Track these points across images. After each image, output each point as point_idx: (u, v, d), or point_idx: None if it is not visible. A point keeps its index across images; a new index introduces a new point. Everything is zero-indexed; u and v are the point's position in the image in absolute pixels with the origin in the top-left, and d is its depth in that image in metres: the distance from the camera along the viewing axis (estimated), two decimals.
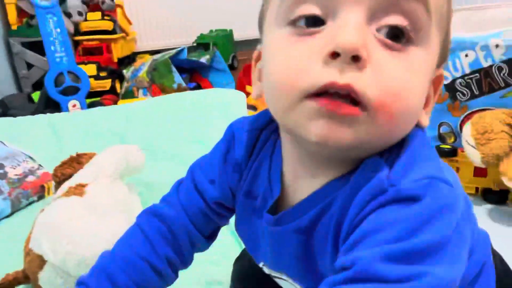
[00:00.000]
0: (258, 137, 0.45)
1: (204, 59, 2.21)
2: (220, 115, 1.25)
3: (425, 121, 0.39)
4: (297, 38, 0.34)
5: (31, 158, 1.02)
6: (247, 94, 2.06)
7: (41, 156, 1.08)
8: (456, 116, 1.21)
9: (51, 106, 1.92)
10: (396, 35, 0.33)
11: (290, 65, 0.33)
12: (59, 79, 1.84)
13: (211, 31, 3.02)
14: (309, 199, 0.38)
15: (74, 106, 1.86)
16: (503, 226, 1.05)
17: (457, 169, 1.15)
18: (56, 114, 1.46)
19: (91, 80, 2.39)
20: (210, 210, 0.47)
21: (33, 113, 1.86)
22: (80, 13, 2.55)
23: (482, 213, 1.10)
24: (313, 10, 0.33)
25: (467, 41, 1.13)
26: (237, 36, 3.12)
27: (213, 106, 1.27)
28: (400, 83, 0.32)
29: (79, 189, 0.72)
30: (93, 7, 2.71)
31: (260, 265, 0.47)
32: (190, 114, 1.28)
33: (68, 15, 2.52)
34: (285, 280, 0.44)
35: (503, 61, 1.11)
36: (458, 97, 1.19)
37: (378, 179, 0.34)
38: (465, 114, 1.19)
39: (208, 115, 1.25)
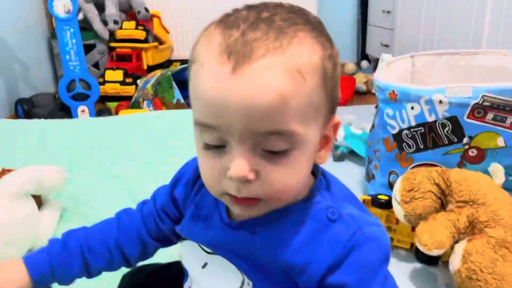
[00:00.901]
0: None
1: None
2: (175, 136, 1.32)
3: (321, 159, 0.50)
4: (210, 156, 0.45)
5: None
6: None
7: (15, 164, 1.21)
8: (403, 166, 1.18)
9: (64, 109, 2.11)
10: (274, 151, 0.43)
11: (208, 177, 0.47)
12: (71, 85, 2.01)
13: None
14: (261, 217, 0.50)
15: (83, 111, 2.02)
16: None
17: (396, 221, 1.12)
18: (49, 121, 1.60)
19: (117, 85, 2.59)
20: (159, 219, 0.62)
21: (48, 114, 2.06)
22: (116, 22, 2.75)
23: (409, 271, 1.07)
24: (213, 141, 0.44)
25: (412, 93, 1.10)
26: None
27: (169, 129, 1.34)
28: (281, 184, 0.44)
29: None
30: (131, 16, 2.90)
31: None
32: (150, 135, 1.36)
33: (105, 23, 2.72)
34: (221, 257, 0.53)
35: (446, 118, 1.07)
36: (405, 148, 1.17)
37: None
38: (411, 166, 1.16)
39: (163, 137, 1.32)
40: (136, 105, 2.11)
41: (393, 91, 1.14)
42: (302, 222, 0.49)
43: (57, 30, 1.96)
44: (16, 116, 2.22)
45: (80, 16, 2.62)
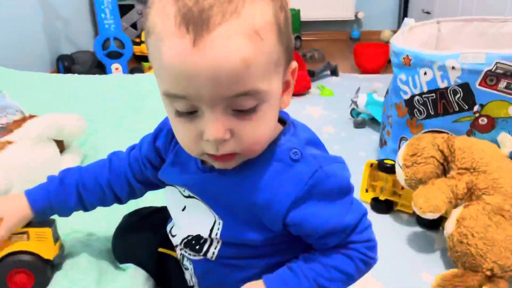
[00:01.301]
0: None
1: None
2: None
3: (285, 104, 0.53)
4: (183, 121, 0.48)
5: (22, 112, 1.25)
6: None
7: (38, 111, 1.31)
8: (413, 132, 1.18)
9: (100, 66, 2.21)
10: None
11: (186, 141, 0.50)
12: (106, 43, 2.10)
13: None
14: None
15: (116, 69, 2.11)
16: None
17: (402, 187, 1.13)
18: (79, 76, 1.70)
19: None
20: (143, 165, 0.67)
21: (86, 71, 2.17)
22: None
23: (408, 234, 1.09)
24: (184, 109, 0.46)
25: (425, 59, 1.09)
26: (304, 16, 3.12)
27: None
28: (254, 137, 0.48)
29: (2, 144, 0.92)
30: None
31: (179, 186, 0.61)
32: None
33: None
34: (197, 199, 0.58)
35: (458, 85, 1.06)
36: (416, 115, 1.16)
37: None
38: (421, 132, 1.16)
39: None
40: None
41: (407, 55, 1.13)
42: (267, 163, 0.53)
43: None
44: (58, 71, 2.35)
45: None
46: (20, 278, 0.65)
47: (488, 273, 0.86)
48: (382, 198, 1.17)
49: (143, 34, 2.66)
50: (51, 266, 0.68)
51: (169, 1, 0.43)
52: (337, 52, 2.94)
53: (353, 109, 1.79)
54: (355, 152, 1.49)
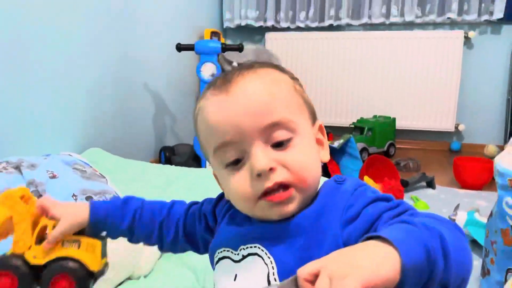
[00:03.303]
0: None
1: (336, 143, 2.31)
2: None
3: (324, 157, 0.59)
4: (234, 173, 0.54)
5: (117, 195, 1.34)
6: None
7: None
8: None
9: (197, 159, 2.34)
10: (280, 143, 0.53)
11: (239, 189, 0.53)
12: None
13: (374, 116, 3.09)
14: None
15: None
16: None
17: None
18: (176, 168, 1.81)
19: None
20: (198, 218, 0.69)
21: (183, 162, 2.31)
22: None
23: None
24: (236, 156, 0.53)
25: None
26: (399, 124, 3.09)
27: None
28: (300, 162, 0.52)
29: None
30: None
31: (232, 249, 0.60)
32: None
33: None
34: (252, 255, 0.56)
35: None
36: None
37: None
38: None
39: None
40: None
41: None
42: (317, 197, 0.55)
43: (201, 90, 2.23)
44: (159, 160, 2.53)
45: None
46: (62, 284, 0.63)
47: None
48: None
49: None
50: (94, 280, 0.65)
51: (206, 89, 0.57)
52: (435, 163, 2.81)
53: None
54: None
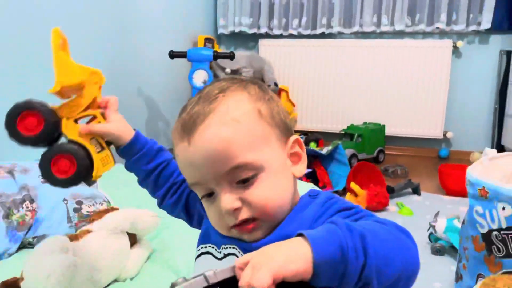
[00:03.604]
0: None
1: (325, 149, 2.37)
2: None
3: (299, 172, 0.60)
4: (209, 204, 0.58)
5: (107, 201, 1.38)
6: (350, 190, 2.12)
7: (122, 203, 1.44)
8: (492, 271, 1.08)
9: None
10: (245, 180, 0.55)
11: (213, 220, 0.59)
12: None
13: (364, 123, 3.15)
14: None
15: None
16: None
17: None
18: None
19: None
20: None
21: None
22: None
23: None
24: (203, 192, 0.57)
25: (503, 193, 1.03)
26: (388, 131, 3.15)
27: None
28: (262, 199, 0.55)
29: (83, 233, 1.02)
30: None
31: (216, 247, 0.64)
32: None
33: None
34: (235, 248, 0.60)
35: None
36: (494, 251, 1.07)
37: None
38: (500, 271, 1.05)
39: None
40: None
41: (484, 187, 1.08)
42: (292, 212, 0.58)
43: (193, 95, 2.28)
44: None
45: None
46: (65, 163, 0.70)
47: None
48: None
49: None
50: (88, 182, 0.73)
51: (177, 120, 0.59)
52: (423, 170, 2.86)
53: (431, 233, 1.69)
54: (429, 282, 1.38)
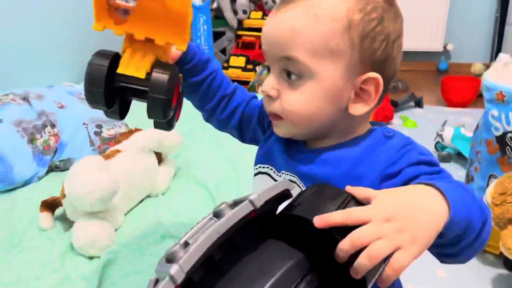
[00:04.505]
0: None
1: None
2: None
3: (356, 111, 0.54)
4: None
5: (126, 125, 1.40)
6: None
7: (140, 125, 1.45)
8: (504, 170, 1.14)
9: None
10: (291, 74, 0.54)
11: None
12: None
13: None
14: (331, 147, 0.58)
15: None
16: None
17: None
18: None
19: (238, 70, 2.80)
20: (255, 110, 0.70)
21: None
22: (244, 11, 2.95)
23: (494, 275, 1.04)
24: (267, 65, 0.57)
25: None
26: None
27: None
28: (293, 107, 0.54)
29: (113, 152, 1.04)
30: (259, 7, 3.09)
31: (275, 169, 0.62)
32: None
33: (235, 12, 2.94)
34: (296, 178, 0.58)
35: None
36: (507, 152, 1.12)
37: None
38: None
39: None
40: (252, 90, 2.27)
41: (501, 91, 1.10)
42: (361, 143, 0.56)
43: None
44: None
45: (215, 5, 2.88)
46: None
47: None
48: None
49: (231, 59, 2.82)
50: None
51: None
52: (423, 84, 2.88)
53: (437, 142, 1.75)
54: None
